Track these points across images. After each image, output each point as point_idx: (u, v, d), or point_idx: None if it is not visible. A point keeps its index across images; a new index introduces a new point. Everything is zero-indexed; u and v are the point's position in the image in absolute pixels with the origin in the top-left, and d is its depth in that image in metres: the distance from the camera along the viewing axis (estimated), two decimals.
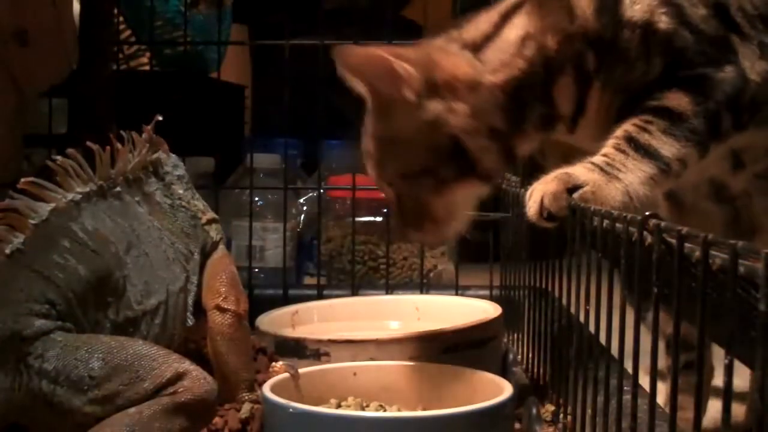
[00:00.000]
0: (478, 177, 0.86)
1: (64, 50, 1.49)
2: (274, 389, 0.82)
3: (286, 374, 0.88)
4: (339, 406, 0.88)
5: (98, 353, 0.76)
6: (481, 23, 0.86)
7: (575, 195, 0.74)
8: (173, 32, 2.00)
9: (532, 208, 0.77)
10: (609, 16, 0.82)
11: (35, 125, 1.55)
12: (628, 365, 0.59)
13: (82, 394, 0.75)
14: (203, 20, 2.05)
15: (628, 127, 0.80)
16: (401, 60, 0.81)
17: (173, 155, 1.03)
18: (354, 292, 1.40)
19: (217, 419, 0.86)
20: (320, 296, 1.38)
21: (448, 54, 0.84)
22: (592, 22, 0.82)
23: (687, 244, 0.48)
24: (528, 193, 0.78)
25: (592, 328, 0.70)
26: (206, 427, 0.83)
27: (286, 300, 1.34)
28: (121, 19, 1.93)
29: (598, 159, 0.78)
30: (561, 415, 0.88)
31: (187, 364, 0.77)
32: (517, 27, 0.84)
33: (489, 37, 0.85)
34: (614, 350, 0.68)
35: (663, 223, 0.52)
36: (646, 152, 0.78)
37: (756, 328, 0.39)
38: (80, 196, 0.86)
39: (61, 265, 0.81)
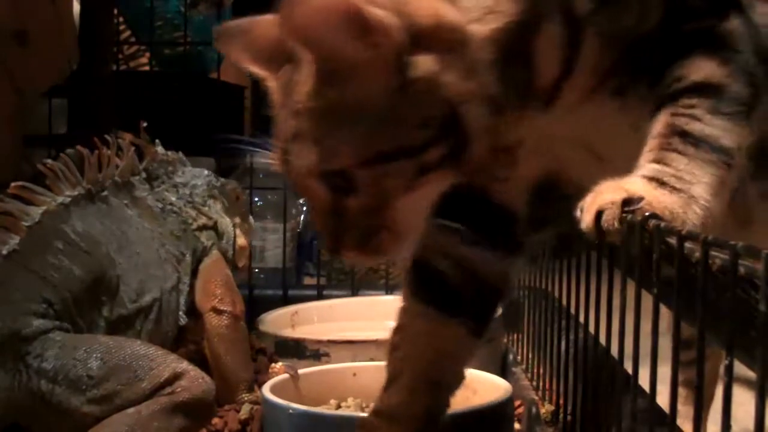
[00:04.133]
0: (461, 164, 0.63)
1: (64, 50, 1.49)
2: (274, 390, 0.82)
3: (286, 375, 0.88)
4: (339, 406, 0.88)
5: (97, 353, 0.77)
6: None
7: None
8: (173, 32, 2.01)
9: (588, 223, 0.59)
10: None
11: (35, 125, 1.55)
12: (628, 366, 0.59)
13: (81, 393, 0.76)
14: (203, 20, 2.05)
15: (668, 118, 0.62)
16: (372, 6, 0.59)
17: (198, 169, 1.06)
18: (354, 292, 1.40)
19: (216, 420, 0.86)
20: (320, 296, 1.38)
21: None
22: None
23: (687, 245, 0.47)
24: (584, 206, 0.60)
25: (592, 329, 0.70)
26: (206, 428, 0.83)
27: (286, 300, 1.34)
28: (121, 19, 1.93)
29: (653, 168, 0.60)
30: (561, 415, 0.88)
31: (184, 365, 0.78)
32: None
33: None
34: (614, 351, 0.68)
35: (663, 224, 0.52)
36: (708, 145, 0.60)
37: (756, 328, 0.39)
38: (69, 199, 0.88)
39: (56, 266, 0.82)
